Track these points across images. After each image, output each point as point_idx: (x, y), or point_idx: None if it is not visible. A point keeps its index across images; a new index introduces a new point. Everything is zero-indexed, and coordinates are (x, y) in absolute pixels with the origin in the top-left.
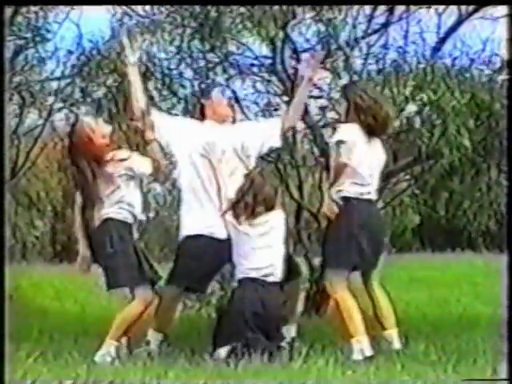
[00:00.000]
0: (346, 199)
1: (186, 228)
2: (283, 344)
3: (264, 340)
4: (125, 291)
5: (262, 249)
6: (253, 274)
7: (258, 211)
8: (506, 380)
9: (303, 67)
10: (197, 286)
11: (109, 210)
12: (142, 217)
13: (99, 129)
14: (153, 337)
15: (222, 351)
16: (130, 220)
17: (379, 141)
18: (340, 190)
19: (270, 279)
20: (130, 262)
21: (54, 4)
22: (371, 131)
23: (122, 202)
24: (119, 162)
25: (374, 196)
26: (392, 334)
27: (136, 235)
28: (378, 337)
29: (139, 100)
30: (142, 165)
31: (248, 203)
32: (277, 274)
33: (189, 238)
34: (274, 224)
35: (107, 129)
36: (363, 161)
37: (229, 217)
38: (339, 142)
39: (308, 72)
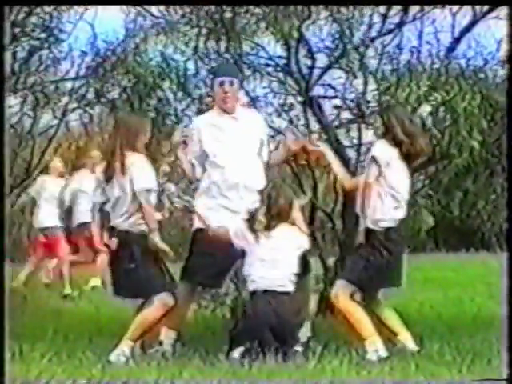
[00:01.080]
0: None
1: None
2: (297, 347)
3: (279, 345)
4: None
5: (275, 261)
6: (264, 286)
7: (273, 224)
8: (505, 380)
9: (289, 136)
10: (210, 281)
11: (126, 223)
12: (158, 217)
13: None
14: (166, 336)
15: (236, 352)
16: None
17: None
18: (378, 220)
19: (282, 289)
20: (150, 274)
21: (55, 4)
22: (406, 155)
23: (138, 212)
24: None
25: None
26: (405, 337)
27: (157, 238)
28: (392, 338)
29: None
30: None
31: (262, 217)
32: (288, 284)
33: (199, 230)
34: (286, 236)
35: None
36: (397, 181)
37: (244, 231)
38: (373, 159)
39: (291, 144)
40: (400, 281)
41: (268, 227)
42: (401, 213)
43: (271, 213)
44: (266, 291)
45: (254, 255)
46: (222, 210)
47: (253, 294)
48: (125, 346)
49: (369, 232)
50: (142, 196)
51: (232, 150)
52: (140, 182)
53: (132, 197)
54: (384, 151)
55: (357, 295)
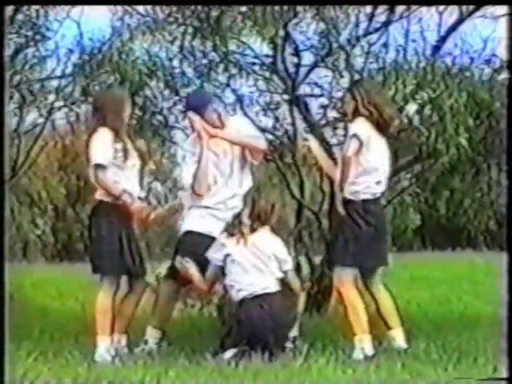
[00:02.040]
0: (363, 201)
1: (186, 223)
2: (288, 344)
3: (271, 343)
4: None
5: (258, 265)
6: (252, 290)
7: (254, 227)
8: (505, 380)
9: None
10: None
11: (102, 191)
12: (141, 194)
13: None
14: (151, 335)
15: (228, 353)
16: (126, 202)
17: (384, 139)
18: (357, 192)
19: (269, 291)
20: (112, 251)
21: (54, 4)
22: (378, 129)
23: (117, 183)
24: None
25: (382, 195)
26: (397, 333)
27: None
28: (379, 336)
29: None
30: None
31: (243, 221)
32: (274, 285)
33: (187, 233)
34: (265, 240)
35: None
36: (377, 157)
37: (224, 240)
38: (353, 136)
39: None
40: (386, 260)
41: (250, 230)
42: (380, 188)
43: (253, 215)
44: (255, 297)
45: (236, 263)
46: (209, 217)
47: (242, 301)
48: (103, 343)
49: (348, 203)
50: (94, 171)
51: (221, 164)
52: (93, 157)
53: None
54: (363, 127)
55: (357, 281)
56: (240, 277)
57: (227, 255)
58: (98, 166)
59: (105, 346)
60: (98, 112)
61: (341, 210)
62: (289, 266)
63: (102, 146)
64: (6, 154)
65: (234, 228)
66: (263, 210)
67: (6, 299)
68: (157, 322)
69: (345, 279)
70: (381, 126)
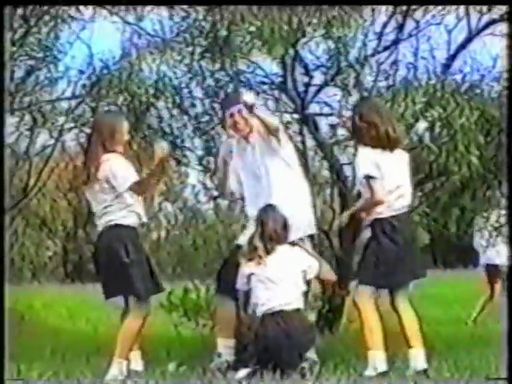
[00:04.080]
0: (386, 218)
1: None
2: (303, 364)
3: (285, 362)
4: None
5: (278, 281)
6: (271, 307)
7: (269, 248)
8: (506, 380)
9: None
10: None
11: (117, 216)
12: (145, 219)
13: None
14: (224, 346)
15: (242, 373)
16: (137, 225)
17: (400, 150)
18: (379, 212)
19: (289, 308)
20: (144, 274)
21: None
22: (386, 145)
23: (129, 206)
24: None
25: (407, 208)
26: (418, 352)
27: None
28: (394, 355)
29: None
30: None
31: (256, 245)
32: (295, 302)
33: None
34: (286, 256)
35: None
36: (393, 175)
37: (244, 267)
38: (366, 178)
39: None
40: (422, 271)
41: (266, 251)
42: (402, 202)
43: (264, 237)
44: (273, 313)
45: (258, 280)
46: None
47: (262, 317)
48: (118, 366)
49: (372, 224)
50: (129, 193)
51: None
52: (122, 181)
53: (115, 195)
54: (368, 159)
55: (377, 297)
56: (261, 292)
57: (251, 274)
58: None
59: (119, 368)
60: (96, 136)
61: (345, 220)
62: (315, 269)
63: (124, 169)
64: (5, 173)
65: (250, 254)
66: (273, 230)
67: (6, 300)
68: (224, 332)
69: (362, 294)
70: (386, 143)
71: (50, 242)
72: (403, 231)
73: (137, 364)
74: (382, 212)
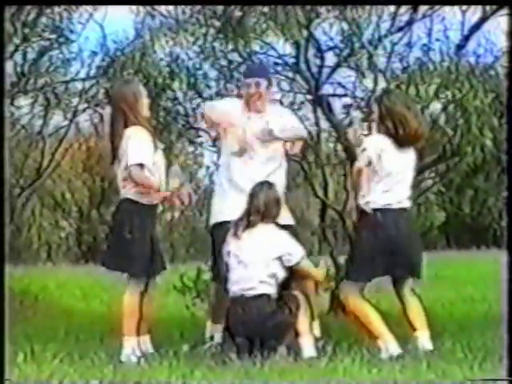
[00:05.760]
0: (375, 210)
1: (213, 216)
2: (281, 349)
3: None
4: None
5: (248, 263)
6: (240, 289)
7: (252, 221)
8: (505, 380)
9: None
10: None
11: (131, 191)
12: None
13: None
14: (213, 330)
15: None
16: (150, 203)
17: (412, 150)
18: (368, 202)
19: (252, 293)
20: (144, 252)
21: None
22: (402, 141)
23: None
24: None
25: (405, 204)
26: (422, 334)
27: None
28: (405, 337)
29: None
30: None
31: (244, 216)
32: (262, 287)
33: (216, 225)
34: (264, 236)
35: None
36: (392, 169)
37: (228, 237)
38: (363, 150)
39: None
40: (414, 272)
41: (246, 224)
42: (390, 198)
43: (252, 210)
44: (237, 297)
45: (233, 258)
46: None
47: (234, 299)
48: (130, 344)
49: (361, 215)
50: (132, 171)
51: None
52: (132, 156)
53: (124, 170)
54: (375, 143)
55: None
56: (233, 272)
57: (229, 252)
58: (140, 166)
59: (131, 347)
60: (116, 108)
61: (354, 218)
62: (298, 256)
63: (141, 144)
64: (5, 156)
65: (233, 228)
66: (263, 203)
67: (6, 300)
68: (214, 316)
69: (348, 294)
70: (406, 138)
71: (64, 222)
72: (389, 226)
73: (147, 349)
74: (379, 201)
